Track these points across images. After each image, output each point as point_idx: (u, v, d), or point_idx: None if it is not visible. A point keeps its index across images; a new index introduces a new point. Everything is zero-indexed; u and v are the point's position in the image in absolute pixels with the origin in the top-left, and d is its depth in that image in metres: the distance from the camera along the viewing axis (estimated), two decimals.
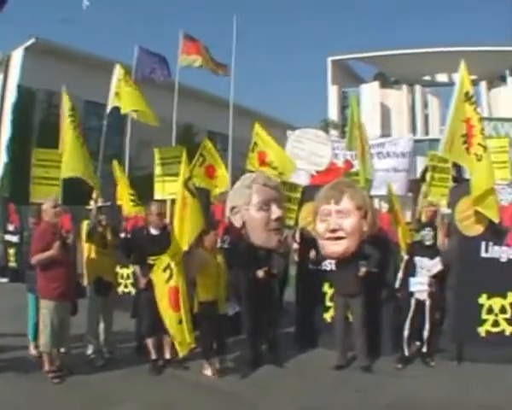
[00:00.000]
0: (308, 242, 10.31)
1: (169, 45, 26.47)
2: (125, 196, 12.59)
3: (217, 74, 20.32)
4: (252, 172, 11.40)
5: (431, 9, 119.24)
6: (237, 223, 9.47)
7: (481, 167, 9.20)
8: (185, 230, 8.31)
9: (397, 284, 9.59)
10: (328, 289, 10.35)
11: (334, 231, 9.10)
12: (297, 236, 11.35)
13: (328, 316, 10.40)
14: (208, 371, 8.60)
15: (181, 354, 8.45)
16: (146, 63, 19.28)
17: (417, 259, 9.37)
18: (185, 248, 8.29)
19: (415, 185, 14.53)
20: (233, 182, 11.56)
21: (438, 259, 9.37)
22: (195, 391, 8.12)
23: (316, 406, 7.71)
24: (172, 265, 8.15)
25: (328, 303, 10.34)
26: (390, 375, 8.97)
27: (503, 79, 71.37)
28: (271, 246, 9.44)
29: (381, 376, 8.89)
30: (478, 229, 9.64)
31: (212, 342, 8.80)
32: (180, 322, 8.21)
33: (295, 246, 11.42)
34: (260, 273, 9.04)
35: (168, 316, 8.19)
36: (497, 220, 9.29)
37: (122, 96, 11.72)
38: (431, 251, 9.41)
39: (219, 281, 8.69)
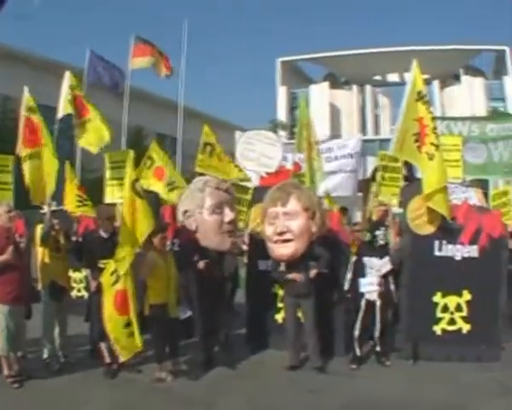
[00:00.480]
0: (257, 243, 10.39)
1: (121, 48, 26.45)
2: (71, 196, 12.47)
3: (167, 76, 20.38)
4: (201, 174, 11.40)
5: (384, 9, 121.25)
6: (190, 227, 9.47)
7: (433, 166, 9.35)
8: (134, 232, 8.42)
9: (346, 286, 9.74)
10: (278, 290, 10.42)
11: (281, 233, 9.14)
12: (246, 238, 11.46)
13: (279, 317, 10.50)
14: (162, 374, 8.66)
15: (122, 359, 8.54)
16: (97, 68, 19.22)
17: (366, 259, 9.55)
18: (134, 250, 8.38)
19: (365, 185, 14.69)
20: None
21: (387, 258, 9.54)
22: (149, 394, 8.22)
23: (270, 407, 7.86)
24: (119, 268, 8.22)
25: (279, 304, 10.42)
26: (344, 375, 9.10)
27: (456, 78, 72.70)
28: (225, 249, 9.53)
29: (334, 376, 9.01)
30: (430, 228, 9.82)
31: (165, 345, 8.89)
32: (127, 325, 8.32)
33: (245, 248, 11.46)
34: (201, 264, 9.15)
35: (113, 320, 8.27)
36: (448, 217, 9.52)
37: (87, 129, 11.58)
38: (380, 251, 9.59)
39: (170, 284, 8.77)
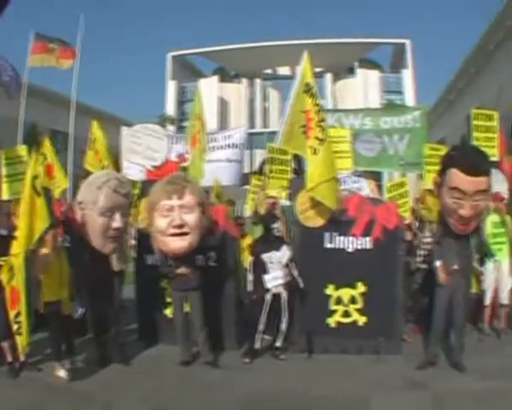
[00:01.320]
0: (145, 238, 10.39)
1: (19, 45, 25.94)
2: None
3: (64, 67, 20.15)
4: (88, 171, 11.39)
5: (278, 3, 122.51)
6: (81, 219, 9.39)
7: (316, 160, 9.61)
8: (31, 229, 8.34)
9: (249, 287, 9.86)
10: (166, 285, 10.49)
11: (179, 226, 9.18)
12: (133, 232, 11.53)
13: (168, 312, 10.59)
14: (60, 373, 8.71)
15: (22, 356, 8.48)
16: None
17: (264, 256, 9.72)
18: (29, 247, 8.32)
19: (250, 178, 14.80)
20: (74, 180, 11.57)
21: (285, 247, 9.75)
22: (49, 393, 8.22)
23: (167, 404, 7.96)
24: (15, 265, 8.18)
25: (168, 299, 10.49)
26: (238, 369, 9.30)
27: (351, 71, 73.94)
28: (105, 252, 9.49)
29: (229, 370, 9.21)
30: (319, 220, 10.08)
31: (62, 342, 8.96)
32: (14, 321, 8.23)
33: (133, 242, 11.57)
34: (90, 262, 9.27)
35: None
36: (333, 208, 9.77)
37: None
38: (275, 243, 9.78)
39: (63, 280, 8.79)
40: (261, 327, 9.62)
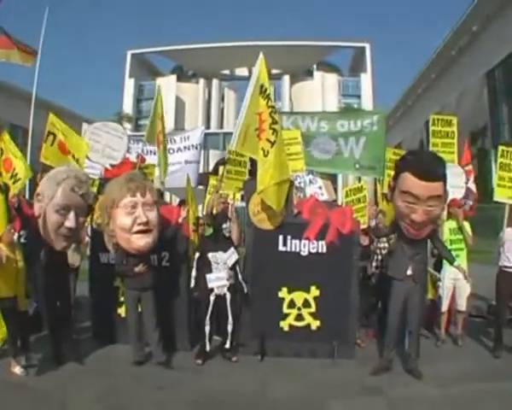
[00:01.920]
0: (99, 236, 10.35)
1: None
2: None
3: (27, 64, 19.98)
4: (45, 165, 11.28)
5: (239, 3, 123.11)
6: (37, 211, 9.25)
7: (267, 163, 9.56)
8: None
9: (192, 283, 9.86)
10: (120, 284, 10.47)
11: (145, 223, 9.15)
12: (89, 229, 11.42)
13: (122, 311, 10.55)
14: (16, 369, 8.72)
15: None
16: None
17: (210, 255, 9.70)
18: None
19: (206, 179, 14.78)
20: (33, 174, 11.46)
21: (232, 249, 9.78)
22: (5, 390, 8.20)
23: (121, 404, 7.93)
24: None
25: (122, 298, 10.49)
26: (191, 371, 9.30)
27: (309, 74, 74.35)
28: (56, 248, 9.34)
29: (182, 372, 9.21)
30: (273, 223, 10.08)
31: (17, 339, 8.89)
32: None
33: (87, 239, 11.52)
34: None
35: None
36: (280, 210, 9.80)
37: None
38: (224, 243, 9.80)
39: (18, 276, 8.70)
40: (207, 328, 9.60)
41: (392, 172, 10.02)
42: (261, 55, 10.01)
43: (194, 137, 15.31)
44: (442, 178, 8.71)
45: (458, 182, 12.20)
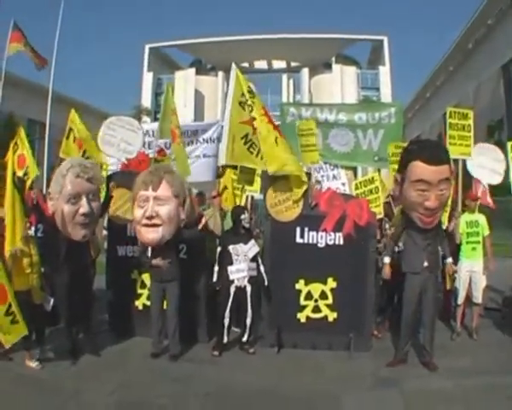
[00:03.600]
0: (116, 229, 10.63)
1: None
2: None
3: (37, 67, 20.27)
4: (62, 160, 11.32)
5: None
6: (50, 209, 9.33)
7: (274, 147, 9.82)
8: (14, 229, 8.45)
9: (214, 278, 9.88)
10: (137, 276, 10.66)
11: (150, 217, 9.26)
12: (105, 222, 11.51)
13: (139, 303, 10.71)
14: (31, 363, 8.79)
15: (6, 346, 8.48)
16: None
17: (231, 247, 9.79)
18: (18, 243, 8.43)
19: (222, 172, 14.83)
20: (49, 169, 11.52)
21: (252, 241, 9.85)
22: (19, 383, 8.26)
23: (136, 397, 7.94)
24: None
25: (139, 290, 10.67)
26: (208, 362, 9.38)
27: (328, 66, 74.07)
28: (76, 239, 9.38)
29: (198, 364, 9.29)
30: (290, 215, 10.11)
31: (32, 332, 8.87)
32: (8, 313, 8.19)
33: (104, 233, 11.62)
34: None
35: None
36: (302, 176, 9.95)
37: None
38: (244, 236, 9.87)
39: (33, 270, 8.74)
40: (226, 320, 9.66)
41: (395, 166, 10.08)
42: (235, 70, 10.41)
43: (212, 130, 15.35)
44: (447, 161, 8.88)
45: (498, 168, 12.27)
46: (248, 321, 9.68)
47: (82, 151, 12.89)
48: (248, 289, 9.67)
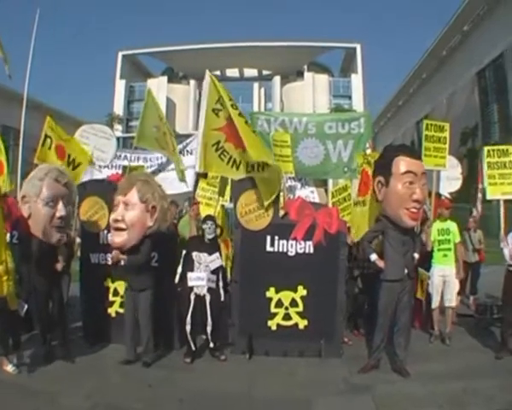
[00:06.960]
0: (89, 236, 10.77)
1: None
2: None
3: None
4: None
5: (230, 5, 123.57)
6: (25, 213, 9.44)
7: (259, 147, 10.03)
8: None
9: (176, 279, 9.99)
10: (110, 284, 10.79)
11: (115, 220, 9.48)
12: (77, 228, 11.67)
13: (112, 311, 10.82)
14: (8, 368, 8.91)
15: None
16: None
17: (195, 254, 9.94)
18: None
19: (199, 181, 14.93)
20: (23, 176, 11.59)
21: (217, 254, 9.96)
22: None
23: (111, 402, 8.05)
24: None
25: (112, 298, 10.79)
26: (180, 369, 9.51)
27: (300, 74, 74.33)
28: (52, 243, 9.53)
29: (171, 370, 9.44)
30: (260, 223, 10.29)
31: (8, 338, 9.02)
32: None
33: (78, 240, 11.71)
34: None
35: None
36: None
37: None
38: (210, 246, 9.97)
39: (9, 276, 8.77)
40: (188, 327, 9.79)
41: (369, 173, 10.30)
42: (209, 76, 10.71)
43: (192, 143, 15.45)
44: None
45: (454, 173, 12.82)
46: (208, 329, 9.76)
47: (66, 157, 12.86)
48: (207, 298, 9.77)
